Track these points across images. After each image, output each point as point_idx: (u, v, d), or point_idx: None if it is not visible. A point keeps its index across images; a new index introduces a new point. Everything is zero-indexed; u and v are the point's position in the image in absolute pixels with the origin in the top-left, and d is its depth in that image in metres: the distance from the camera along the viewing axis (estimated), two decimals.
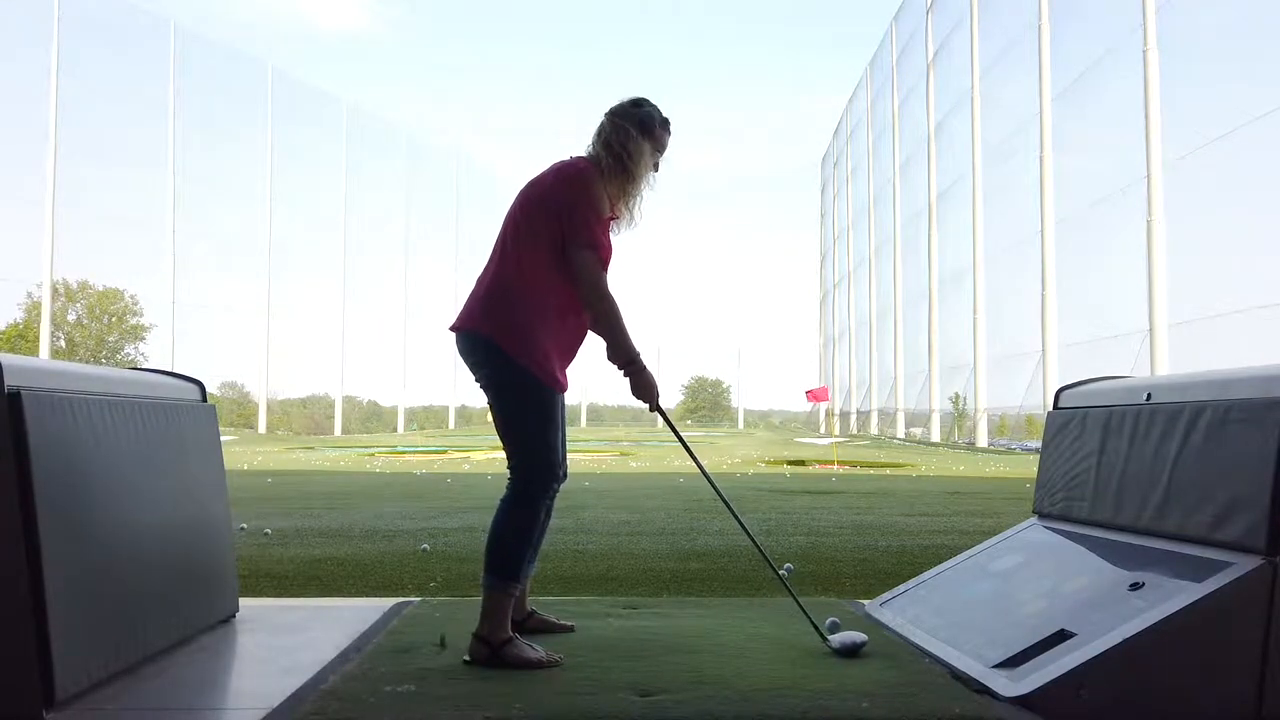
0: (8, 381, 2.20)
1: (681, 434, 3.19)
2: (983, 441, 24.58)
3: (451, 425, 47.42)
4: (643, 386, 2.82)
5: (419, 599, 3.72)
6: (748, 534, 3.09)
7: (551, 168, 2.86)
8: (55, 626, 2.21)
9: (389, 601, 3.64)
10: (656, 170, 2.95)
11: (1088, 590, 2.67)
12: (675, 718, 2.20)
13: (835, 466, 15.82)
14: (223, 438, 3.68)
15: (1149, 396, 2.88)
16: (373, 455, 19.88)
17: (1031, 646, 2.48)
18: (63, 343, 33.29)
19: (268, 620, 3.32)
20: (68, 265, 29.18)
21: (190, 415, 3.16)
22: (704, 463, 3.19)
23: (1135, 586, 2.50)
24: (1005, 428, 25.11)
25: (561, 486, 2.86)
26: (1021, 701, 2.26)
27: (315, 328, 38.87)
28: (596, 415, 59.10)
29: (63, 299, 33.10)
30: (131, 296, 35.06)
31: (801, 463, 17.12)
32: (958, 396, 26.18)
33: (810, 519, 7.06)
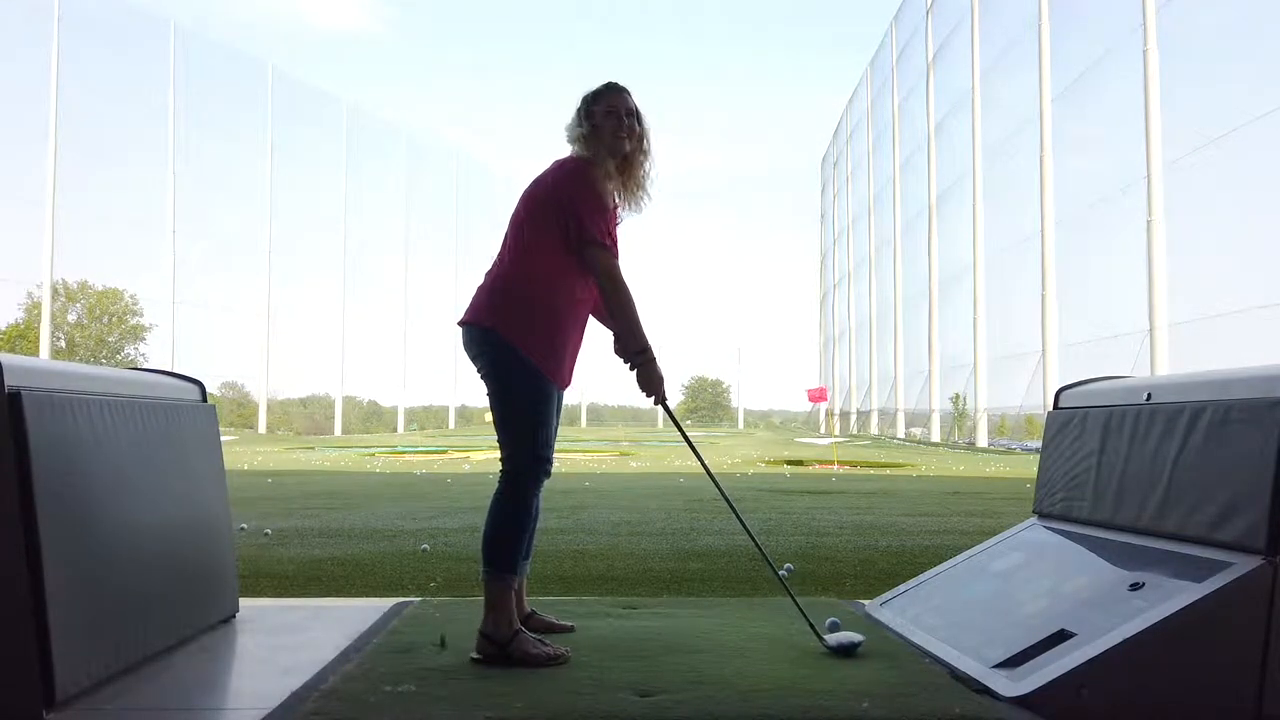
0: (8, 381, 2.20)
1: (684, 429, 3.20)
2: (983, 441, 24.58)
3: (451, 425, 47.42)
4: (650, 378, 2.83)
5: (419, 599, 3.72)
6: (748, 532, 3.10)
7: (551, 165, 2.90)
8: (55, 626, 2.21)
9: (389, 601, 3.64)
10: (631, 132, 2.90)
11: (1088, 590, 2.67)
12: (675, 718, 2.20)
13: (835, 466, 15.82)
14: (223, 438, 3.68)
15: (1149, 396, 2.88)
16: (373, 455, 19.88)
17: (1031, 646, 2.48)
18: (63, 343, 33.29)
19: (268, 620, 3.32)
20: (68, 265, 29.20)
21: (190, 415, 3.16)
22: (705, 462, 3.19)
23: (1135, 586, 2.50)
24: (1005, 428, 25.11)
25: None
26: (1021, 701, 2.26)
27: (315, 328, 38.89)
28: (596, 415, 59.11)
29: (62, 299, 33.10)
30: (131, 296, 35.09)
31: (801, 463, 17.12)
32: (958, 396, 26.18)
33: (810, 519, 7.06)
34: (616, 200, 2.94)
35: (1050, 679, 2.27)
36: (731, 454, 19.81)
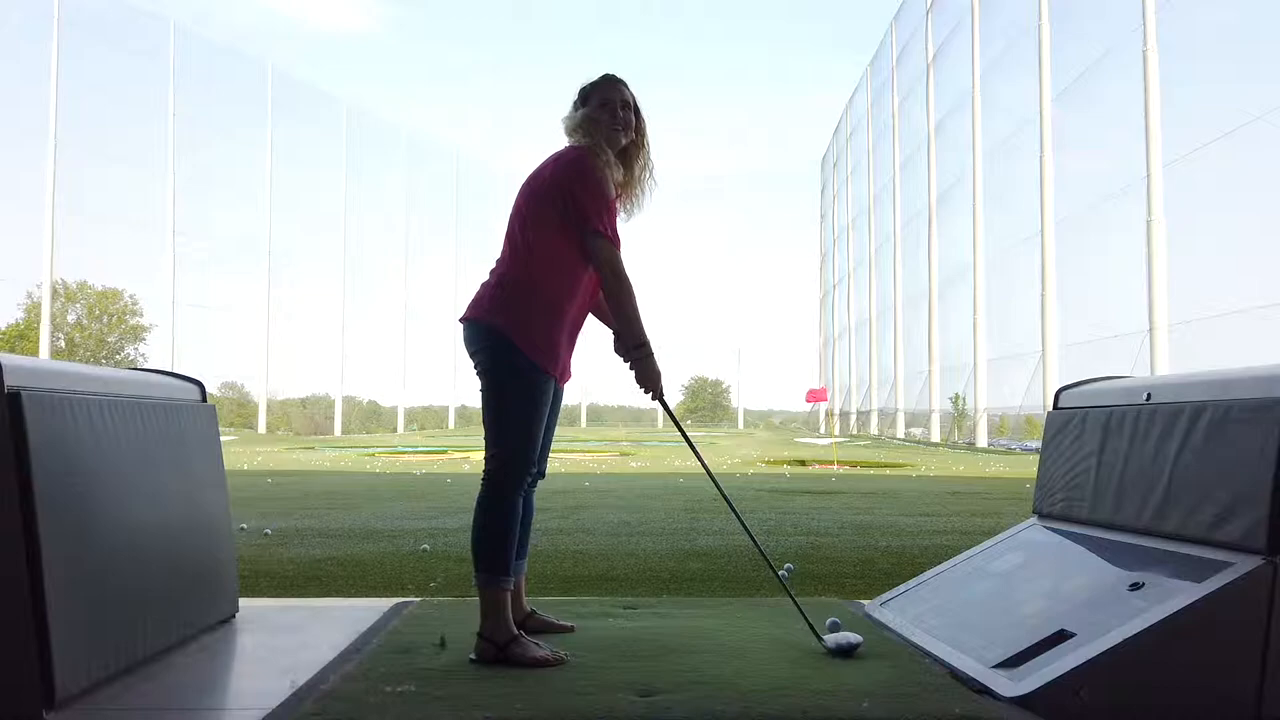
0: (8, 381, 2.20)
1: (683, 427, 3.20)
2: (983, 441, 24.58)
3: (451, 425, 47.42)
4: (648, 374, 2.82)
5: (419, 599, 3.72)
6: (746, 531, 3.09)
7: (550, 158, 2.87)
8: (55, 626, 2.21)
9: (389, 601, 3.64)
10: (628, 125, 2.89)
11: (1088, 590, 2.67)
12: (675, 718, 2.20)
13: (835, 466, 15.82)
14: (223, 438, 3.68)
15: (1149, 396, 2.88)
16: (373, 455, 19.88)
17: (1031, 646, 2.48)
18: (62, 343, 33.30)
19: (268, 620, 3.32)
20: (67, 265, 29.22)
21: (190, 415, 3.16)
22: (704, 460, 3.19)
23: (1135, 586, 2.50)
24: (1005, 428, 25.11)
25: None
26: (1021, 702, 2.26)
27: (315, 328, 38.89)
28: (596, 415, 59.10)
29: (62, 299, 33.10)
30: (131, 296, 35.10)
31: (801, 463, 17.12)
32: (958, 396, 26.18)
33: (810, 519, 7.06)
34: (617, 189, 2.91)
35: (1050, 679, 2.27)
36: (731, 454, 19.81)
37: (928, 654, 2.77)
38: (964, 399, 25.78)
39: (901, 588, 3.50)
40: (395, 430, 43.74)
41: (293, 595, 4.05)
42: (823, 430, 41.82)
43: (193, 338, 32.29)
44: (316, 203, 38.85)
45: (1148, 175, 15.69)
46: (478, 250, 43.87)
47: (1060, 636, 2.45)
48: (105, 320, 35.74)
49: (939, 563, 3.65)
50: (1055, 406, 3.47)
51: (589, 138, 2.84)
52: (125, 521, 2.63)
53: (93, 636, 2.38)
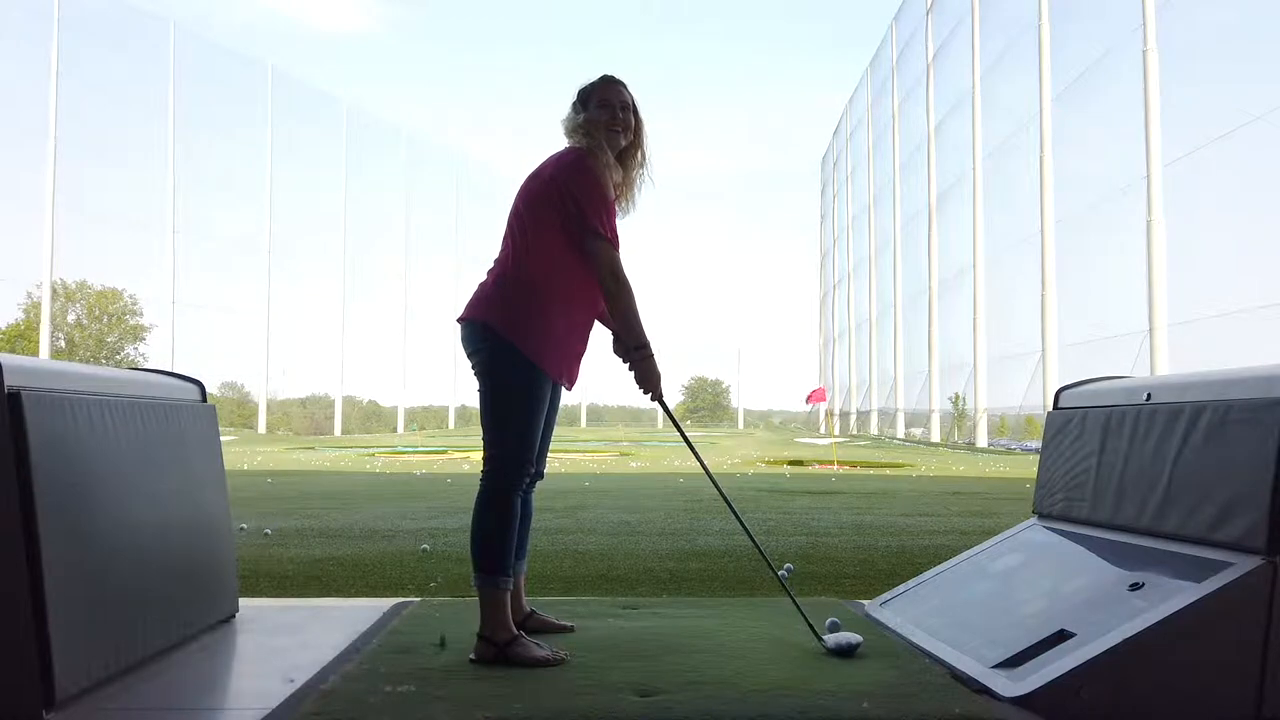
0: (8, 381, 2.20)
1: (682, 427, 3.20)
2: (983, 441, 24.58)
3: (451, 425, 47.43)
4: (647, 374, 2.82)
5: (419, 599, 3.72)
6: (745, 530, 3.09)
7: (549, 159, 2.86)
8: (55, 626, 2.21)
9: (389, 601, 3.64)
10: (627, 126, 2.89)
11: (1088, 590, 2.67)
12: (675, 718, 2.20)
13: (835, 466, 15.82)
14: (223, 438, 3.68)
15: (1149, 396, 2.88)
16: (373, 455, 19.88)
17: (1031, 646, 2.48)
18: (62, 343, 33.30)
19: (268, 620, 3.32)
20: (67, 265, 29.23)
21: (190, 415, 3.16)
22: (704, 460, 3.19)
23: (1135, 586, 2.50)
24: (1005, 428, 25.11)
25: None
26: (1021, 702, 2.26)
27: (315, 328, 38.90)
28: (596, 415, 59.12)
29: (62, 299, 33.10)
30: (131, 296, 35.11)
31: (801, 463, 17.12)
32: (958, 396, 26.18)
33: (810, 519, 7.06)
34: (616, 190, 2.91)
35: (1050, 679, 2.27)
36: (731, 454, 19.82)
37: (928, 654, 2.77)
38: (964, 399, 25.79)
39: (901, 588, 3.50)
40: (395, 430, 43.74)
41: (293, 595, 4.05)
42: (822, 430, 41.83)
43: (193, 338, 32.33)
44: (316, 203, 38.89)
45: (1148, 175, 15.69)
46: (478, 250, 43.85)
47: (1060, 636, 2.45)
48: (105, 320, 35.75)
49: (939, 563, 3.65)
50: (1055, 406, 3.47)
51: (589, 139, 2.83)
52: (125, 521, 2.63)
53: (93, 636, 2.38)
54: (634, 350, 2.80)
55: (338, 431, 39.60)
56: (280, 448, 23.47)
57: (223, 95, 33.98)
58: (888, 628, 3.12)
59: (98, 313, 35.63)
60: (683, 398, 73.44)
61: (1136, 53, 16.16)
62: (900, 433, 32.82)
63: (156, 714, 2.30)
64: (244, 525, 6.25)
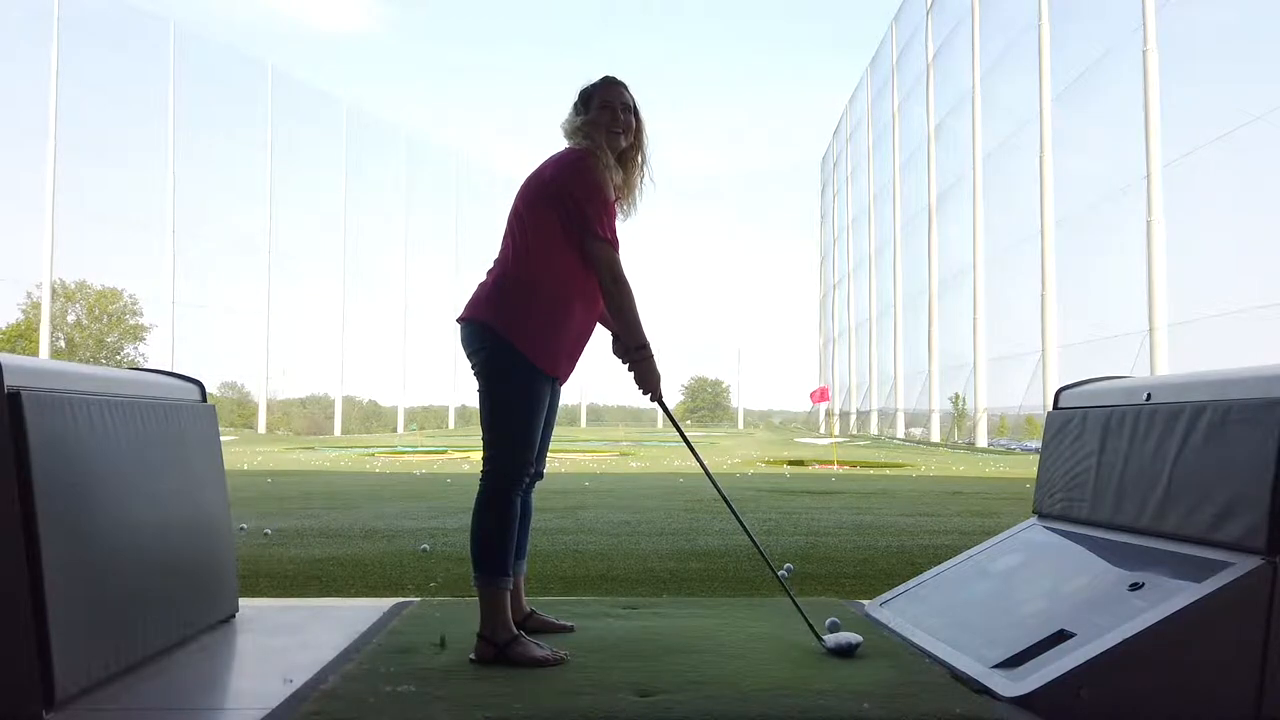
0: (8, 381, 2.20)
1: (682, 428, 3.20)
2: (983, 441, 24.58)
3: (451, 425, 47.44)
4: (647, 375, 2.82)
5: (419, 599, 3.72)
6: (745, 530, 3.09)
7: (549, 160, 2.86)
8: (55, 626, 2.21)
9: (389, 601, 3.64)
10: (627, 127, 2.89)
11: (1088, 590, 2.67)
12: (675, 718, 2.20)
13: (835, 466, 15.82)
14: (223, 438, 3.68)
15: (1149, 396, 2.88)
16: (373, 455, 19.88)
17: (1031, 646, 2.48)
18: (62, 343, 33.31)
19: (268, 620, 3.32)
20: (67, 265, 29.23)
21: (190, 415, 3.16)
22: (704, 461, 3.19)
23: (1135, 586, 2.50)
24: (1005, 428, 25.12)
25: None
26: (1021, 702, 2.26)
27: (315, 328, 38.90)
28: (596, 415, 59.12)
29: (62, 299, 33.11)
30: (130, 296, 35.12)
31: (801, 463, 17.12)
32: (958, 396, 26.19)
33: (810, 519, 7.06)
34: (617, 192, 2.91)
35: (1050, 679, 2.27)
36: (731, 454, 19.82)
37: (928, 654, 2.77)
38: (964, 399, 25.79)
39: (901, 588, 3.50)
40: (395, 430, 43.74)
41: (293, 595, 4.05)
42: (823, 430, 41.83)
43: (193, 338, 32.33)
44: (316, 203, 38.89)
45: (1148, 175, 15.69)
46: (478, 250, 43.88)
47: (1060, 636, 2.45)
48: (105, 320, 35.76)
49: (939, 563, 3.65)
50: (1055, 406, 3.47)
51: (589, 140, 2.83)
52: (125, 521, 2.63)
53: (93, 636, 2.38)
54: (634, 351, 2.80)
55: (338, 431, 39.61)
56: (280, 448, 23.47)
57: (223, 95, 34.00)
58: (888, 628, 3.12)
59: (98, 313, 35.64)
60: (683, 398, 73.45)
61: (1136, 53, 16.16)
62: (900, 433, 32.83)
63: (156, 714, 2.30)
64: (244, 525, 6.25)
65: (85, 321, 35.43)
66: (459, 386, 47.32)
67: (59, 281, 30.74)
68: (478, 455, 3.02)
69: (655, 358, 2.83)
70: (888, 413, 35.40)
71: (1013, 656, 2.48)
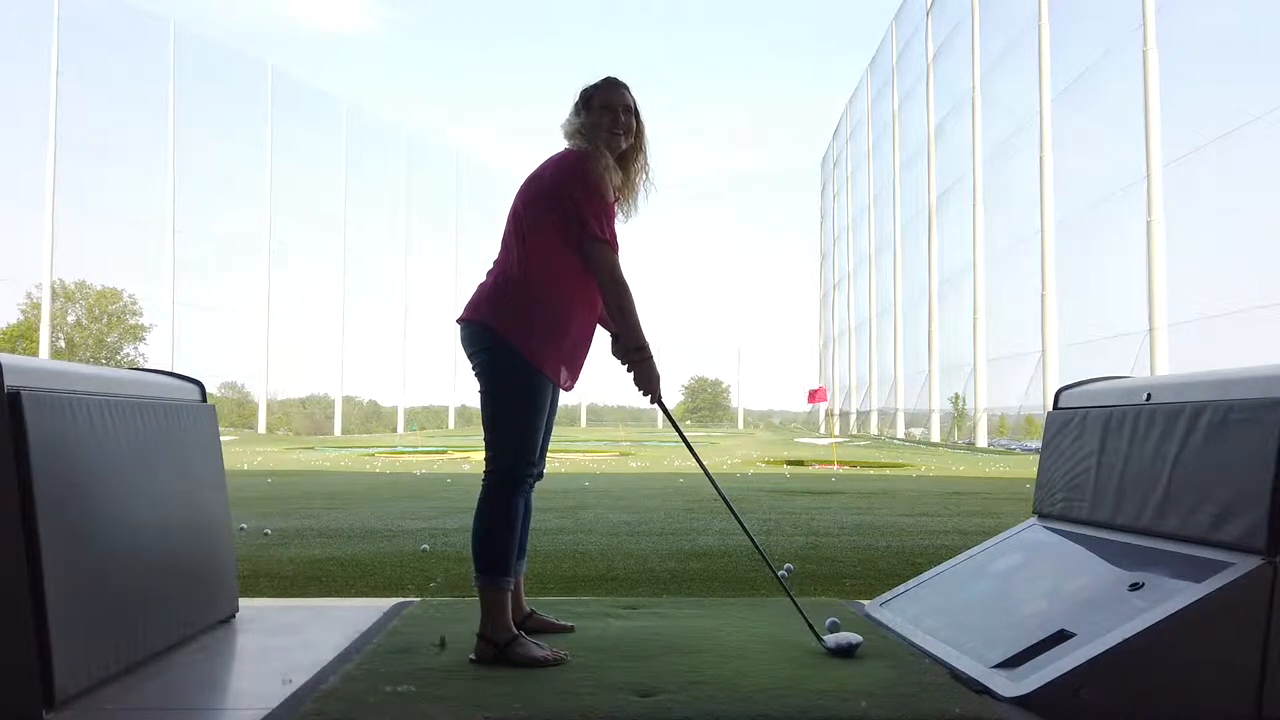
0: (8, 381, 2.20)
1: (682, 429, 3.20)
2: (983, 441, 24.58)
3: (451, 425, 47.43)
4: (646, 376, 2.82)
5: (419, 599, 3.72)
6: (745, 531, 3.09)
7: (549, 160, 2.85)
8: (55, 626, 2.21)
9: (389, 601, 3.64)
10: (628, 130, 2.88)
11: (1088, 590, 2.67)
12: (675, 718, 2.20)
13: (835, 466, 15.82)
14: (223, 438, 3.68)
15: (1149, 396, 2.88)
16: (373, 455, 19.88)
17: (1031, 647, 2.48)
18: (62, 343, 33.31)
19: (268, 620, 3.32)
20: (67, 265, 29.23)
21: (190, 415, 3.16)
22: (704, 462, 3.19)
23: (1135, 586, 2.50)
24: (1005, 428, 25.12)
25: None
26: (1021, 702, 2.26)
27: (315, 328, 38.90)
28: (596, 415, 59.12)
29: (62, 299, 33.11)
30: (130, 296, 35.13)
31: (801, 463, 17.12)
32: (958, 396, 26.19)
33: (810, 519, 7.06)
34: (617, 193, 2.90)
35: (1050, 679, 2.27)
36: (731, 454, 19.82)
37: (928, 654, 2.77)
38: (964, 399, 25.79)
39: (901, 588, 3.50)
40: (395, 430, 43.74)
41: (293, 595, 4.05)
42: (822, 430, 41.83)
43: (193, 338, 32.32)
44: (316, 202, 38.89)
45: (1148, 175, 15.69)
46: (477, 250, 43.88)
47: (1060, 636, 2.45)
48: (105, 320, 35.76)
49: (939, 563, 3.65)
50: (1055, 406, 3.47)
51: (589, 143, 2.82)
52: (125, 521, 2.63)
53: (93, 636, 2.38)
54: (633, 352, 2.80)
55: (338, 431, 39.60)
56: (280, 448, 23.47)
57: (223, 95, 33.99)
58: (888, 628, 3.12)
59: (98, 313, 35.64)
60: (683, 398, 73.46)
61: (1136, 53, 16.16)
62: (900, 433, 32.82)
63: (156, 714, 2.30)
64: (244, 525, 6.25)
65: (85, 321, 35.44)
66: (459, 386, 47.35)
67: (59, 281, 30.76)
68: (478, 455, 3.02)
69: (655, 359, 2.83)
70: (888, 413, 35.40)
71: (1013, 656, 2.48)
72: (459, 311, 2.85)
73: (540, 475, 2.95)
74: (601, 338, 3.03)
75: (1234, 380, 2.55)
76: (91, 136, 28.06)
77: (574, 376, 2.91)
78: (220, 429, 3.51)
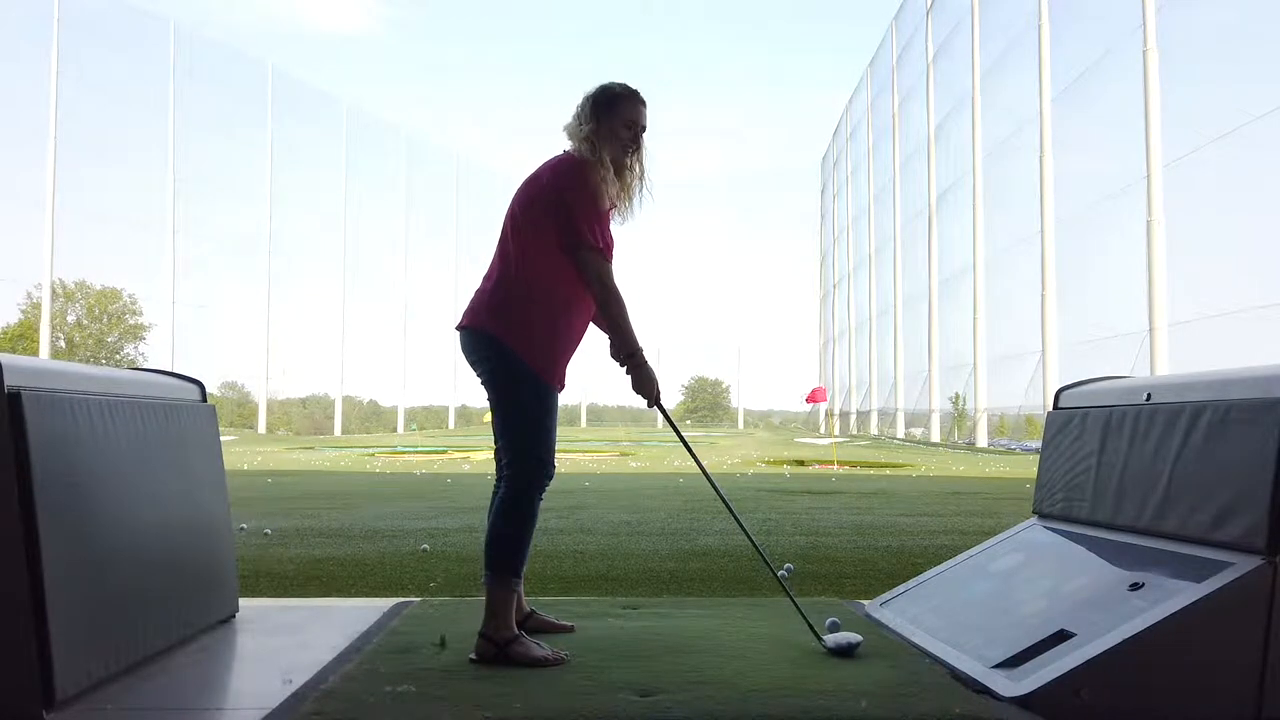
0: (8, 381, 2.20)
1: (681, 431, 3.20)
2: (983, 441, 24.58)
3: (451, 425, 47.41)
4: (643, 381, 2.83)
5: (419, 599, 3.72)
6: (744, 532, 3.09)
7: (547, 164, 2.85)
8: (55, 626, 2.21)
9: (389, 601, 3.64)
10: (636, 146, 2.88)
11: (1088, 590, 2.67)
12: (675, 718, 2.20)
13: (835, 466, 15.82)
14: (223, 438, 3.68)
15: (1149, 396, 2.88)
16: (373, 455, 19.88)
17: (1031, 646, 2.48)
18: (62, 343, 33.30)
19: (268, 620, 3.32)
20: (67, 265, 29.23)
21: (190, 415, 3.16)
22: (704, 463, 3.19)
23: (1135, 586, 2.50)
24: (1005, 428, 25.11)
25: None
26: (1021, 702, 2.26)
27: (315, 328, 38.89)
28: (596, 415, 59.09)
29: (62, 299, 33.10)
30: (130, 296, 35.11)
31: (801, 463, 17.12)
32: (958, 396, 26.18)
33: (810, 519, 7.06)
34: (612, 202, 2.90)
35: (1050, 679, 2.27)
36: (731, 454, 19.81)
37: (928, 654, 2.77)
38: (964, 399, 25.78)
39: (901, 588, 3.50)
40: (395, 430, 43.73)
41: (293, 595, 4.05)
42: (822, 430, 41.82)
43: (193, 338, 32.32)
44: (316, 203, 38.88)
45: (1148, 175, 15.69)
46: (477, 251, 43.88)
47: (1060, 636, 2.45)
48: (105, 320, 35.75)
49: (939, 563, 3.65)
50: (1055, 406, 3.47)
51: (594, 150, 2.80)
52: (125, 521, 2.63)
53: (93, 636, 2.38)
54: (626, 358, 2.80)
55: (338, 431, 39.60)
56: (280, 448, 23.47)
57: (223, 95, 33.99)
58: (888, 628, 3.12)
59: (98, 313, 35.63)
60: (683, 398, 73.45)
61: (1136, 53, 16.15)
62: (900, 433, 32.82)
63: (156, 714, 2.30)
64: (244, 525, 6.25)
65: (85, 321, 35.42)
66: (459, 387, 47.36)
67: (59, 281, 30.75)
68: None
69: (649, 363, 2.82)
70: (888, 413, 35.39)
71: (1013, 656, 2.48)
72: (459, 311, 2.85)
73: (552, 475, 2.95)
74: (601, 339, 3.03)
75: (1234, 380, 2.55)
76: (91, 136, 28.07)
77: (564, 376, 2.92)
78: (220, 429, 3.51)
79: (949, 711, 2.23)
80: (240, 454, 18.56)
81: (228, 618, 3.26)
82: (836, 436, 32.40)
